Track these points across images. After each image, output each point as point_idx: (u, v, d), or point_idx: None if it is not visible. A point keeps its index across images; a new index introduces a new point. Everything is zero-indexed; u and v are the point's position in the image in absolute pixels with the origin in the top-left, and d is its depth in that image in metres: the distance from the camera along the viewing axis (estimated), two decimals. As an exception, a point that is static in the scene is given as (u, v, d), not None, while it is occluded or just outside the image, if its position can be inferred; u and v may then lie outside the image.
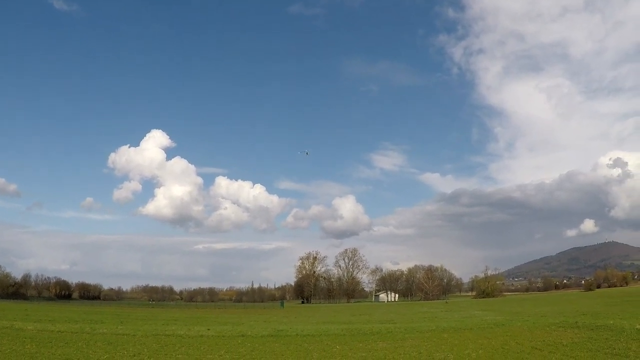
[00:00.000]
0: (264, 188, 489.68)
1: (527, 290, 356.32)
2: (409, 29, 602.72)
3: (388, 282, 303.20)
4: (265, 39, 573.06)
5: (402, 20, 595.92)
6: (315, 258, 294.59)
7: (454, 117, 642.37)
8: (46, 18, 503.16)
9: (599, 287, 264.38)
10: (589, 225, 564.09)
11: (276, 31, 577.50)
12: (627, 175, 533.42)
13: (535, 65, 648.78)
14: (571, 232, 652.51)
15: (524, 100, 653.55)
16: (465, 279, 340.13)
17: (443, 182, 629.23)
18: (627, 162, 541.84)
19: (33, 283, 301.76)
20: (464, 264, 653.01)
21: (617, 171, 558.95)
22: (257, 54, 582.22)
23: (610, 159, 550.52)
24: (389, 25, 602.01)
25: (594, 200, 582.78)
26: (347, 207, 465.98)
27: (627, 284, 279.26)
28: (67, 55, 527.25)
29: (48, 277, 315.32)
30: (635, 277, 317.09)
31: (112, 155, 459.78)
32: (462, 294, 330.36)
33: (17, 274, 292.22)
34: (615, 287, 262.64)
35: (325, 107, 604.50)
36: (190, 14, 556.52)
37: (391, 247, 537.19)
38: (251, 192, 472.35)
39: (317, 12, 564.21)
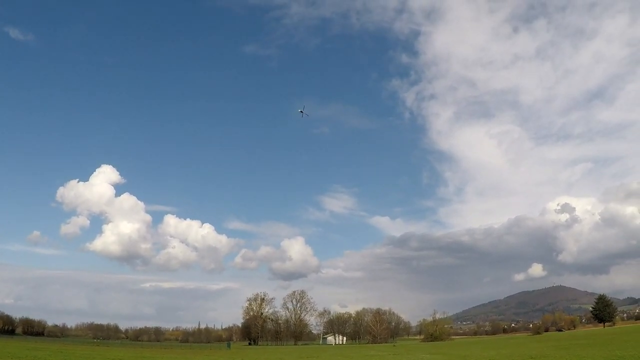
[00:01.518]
0: (213, 227, 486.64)
1: (475, 333, 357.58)
2: (363, 73, 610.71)
3: (336, 324, 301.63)
4: (218, 78, 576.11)
5: (356, 64, 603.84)
6: (263, 299, 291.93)
7: (405, 161, 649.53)
8: (1, 46, 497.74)
9: (547, 330, 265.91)
10: (537, 269, 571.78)
11: (229, 70, 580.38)
12: (574, 220, 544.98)
13: (486, 112, 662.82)
14: (519, 276, 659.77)
15: (474, 145, 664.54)
16: (414, 322, 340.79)
17: (392, 226, 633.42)
18: (574, 208, 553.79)
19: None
20: (412, 307, 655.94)
21: (564, 216, 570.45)
22: (209, 92, 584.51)
23: (558, 204, 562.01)
24: (342, 68, 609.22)
25: (542, 244, 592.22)
26: (296, 249, 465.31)
27: (574, 327, 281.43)
28: (20, 84, 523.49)
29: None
30: (583, 320, 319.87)
31: (61, 189, 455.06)
32: (411, 337, 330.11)
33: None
34: (563, 330, 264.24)
35: (276, 147, 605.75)
36: (143, 50, 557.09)
37: (339, 289, 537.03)
38: (200, 232, 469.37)
39: (271, 53, 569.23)
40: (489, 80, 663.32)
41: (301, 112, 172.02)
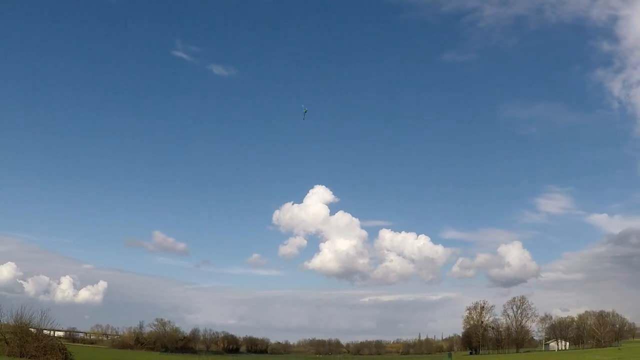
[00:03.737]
0: (429, 238, 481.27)
1: None
2: (565, 67, 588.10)
3: (558, 329, 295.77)
4: (420, 91, 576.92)
5: (557, 59, 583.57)
6: (482, 308, 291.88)
7: (619, 153, 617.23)
8: (207, 85, 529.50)
9: None
10: None
11: (431, 81, 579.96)
12: None
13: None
14: None
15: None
16: (639, 324, 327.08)
17: (611, 223, 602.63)
18: None
19: (201, 337, 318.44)
20: (636, 307, 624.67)
21: None
22: (414, 108, 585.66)
23: None
24: (543, 65, 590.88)
25: None
26: (514, 254, 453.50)
27: None
28: (228, 120, 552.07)
29: (216, 332, 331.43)
30: None
31: (277, 212, 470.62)
32: (636, 339, 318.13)
33: (186, 329, 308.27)
34: None
35: (485, 153, 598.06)
36: (342, 72, 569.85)
37: (560, 293, 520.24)
38: (415, 243, 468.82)
39: (469, 58, 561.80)
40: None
41: (305, 111, 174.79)
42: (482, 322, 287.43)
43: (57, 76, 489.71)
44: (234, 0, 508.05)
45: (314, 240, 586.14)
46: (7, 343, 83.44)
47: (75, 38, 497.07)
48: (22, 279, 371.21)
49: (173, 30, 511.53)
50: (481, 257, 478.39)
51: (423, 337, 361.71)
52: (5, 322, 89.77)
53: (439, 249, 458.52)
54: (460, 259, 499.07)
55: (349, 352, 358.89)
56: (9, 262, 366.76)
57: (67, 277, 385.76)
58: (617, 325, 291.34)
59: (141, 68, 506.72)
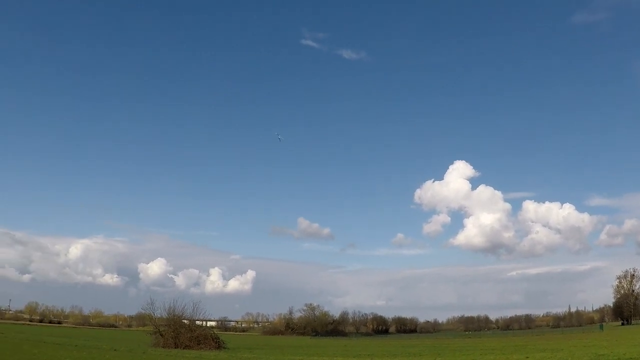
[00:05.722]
0: (573, 207, 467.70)
1: None
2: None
3: None
4: (552, 56, 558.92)
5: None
6: (633, 276, 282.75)
7: None
8: (339, 69, 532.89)
9: None
10: None
11: (563, 45, 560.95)
12: None
13: None
14: None
15: None
16: None
17: None
18: None
19: (350, 320, 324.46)
20: None
21: None
22: (547, 74, 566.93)
23: None
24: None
25: None
26: None
27: None
28: (364, 102, 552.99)
29: (365, 314, 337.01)
30: None
31: (418, 191, 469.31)
32: None
33: (335, 312, 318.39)
34: None
35: (624, 114, 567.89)
36: (469, 41, 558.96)
37: None
38: (560, 213, 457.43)
39: (600, 18, 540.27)
40: None
41: (279, 138, 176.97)
42: (633, 291, 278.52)
43: (201, 69, 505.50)
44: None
45: (458, 217, 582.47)
46: (161, 335, 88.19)
47: (207, 31, 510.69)
48: (172, 274, 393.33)
49: (298, 19, 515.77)
50: (629, 223, 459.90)
51: (573, 309, 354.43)
52: (159, 316, 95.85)
53: (585, 217, 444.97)
54: (607, 227, 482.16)
55: (498, 327, 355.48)
56: (159, 258, 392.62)
57: (216, 268, 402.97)
58: None
59: (274, 61, 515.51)
